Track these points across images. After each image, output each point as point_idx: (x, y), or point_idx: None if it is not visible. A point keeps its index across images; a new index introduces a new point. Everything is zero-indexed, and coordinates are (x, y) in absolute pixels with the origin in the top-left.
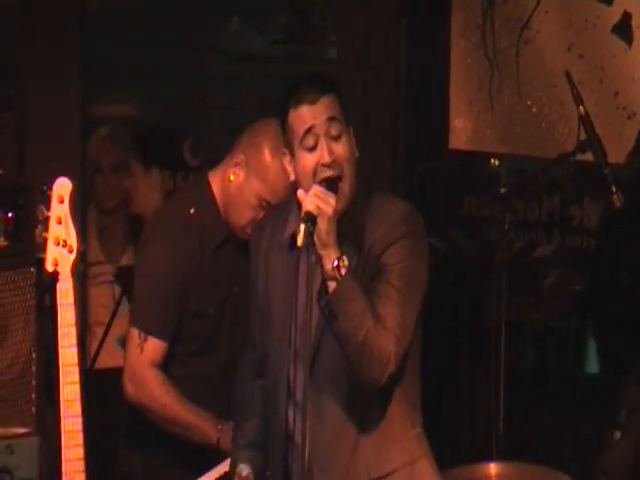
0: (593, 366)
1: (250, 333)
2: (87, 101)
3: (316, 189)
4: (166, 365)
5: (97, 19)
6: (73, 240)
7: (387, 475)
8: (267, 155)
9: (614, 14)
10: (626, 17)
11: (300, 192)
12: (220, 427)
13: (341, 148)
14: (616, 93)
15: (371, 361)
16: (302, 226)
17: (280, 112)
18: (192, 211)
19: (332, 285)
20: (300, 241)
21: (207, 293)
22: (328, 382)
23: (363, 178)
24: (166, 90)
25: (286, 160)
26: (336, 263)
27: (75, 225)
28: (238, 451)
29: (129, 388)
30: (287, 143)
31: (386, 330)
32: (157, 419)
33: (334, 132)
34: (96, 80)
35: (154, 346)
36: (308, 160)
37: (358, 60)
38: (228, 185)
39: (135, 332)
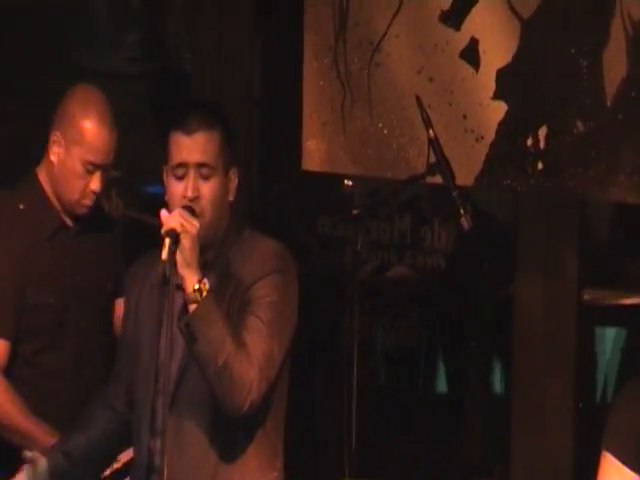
0: (443, 385)
1: (115, 368)
2: None
3: (180, 210)
4: (15, 367)
5: None
6: None
7: None
8: (78, 118)
9: (462, 39)
10: (473, 42)
11: (163, 213)
12: None
13: (208, 190)
14: (464, 116)
15: (232, 387)
16: (167, 240)
17: (167, 129)
18: (21, 207)
19: (193, 307)
20: (164, 255)
21: (46, 284)
22: (190, 412)
23: (237, 216)
24: (21, 106)
25: (164, 176)
26: (197, 286)
27: None
28: (50, 451)
29: None
30: (165, 160)
31: (248, 357)
32: None
33: (205, 173)
34: None
35: None
36: (174, 188)
37: (212, 78)
38: (53, 168)
39: None
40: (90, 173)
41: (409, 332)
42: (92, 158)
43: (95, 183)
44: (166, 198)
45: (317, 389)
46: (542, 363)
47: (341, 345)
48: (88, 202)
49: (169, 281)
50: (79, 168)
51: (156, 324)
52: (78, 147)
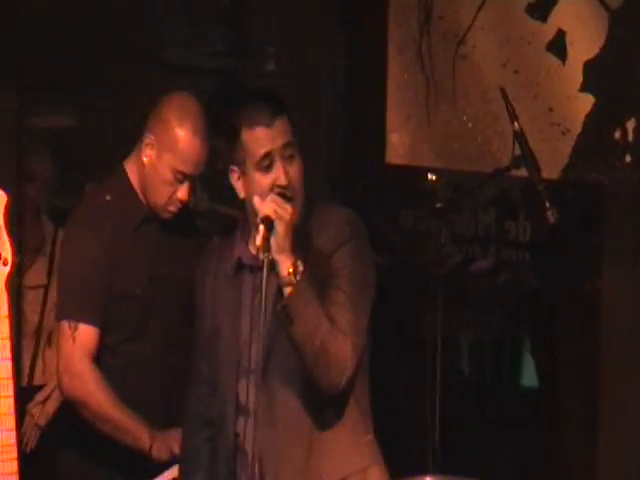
0: (529, 379)
1: (195, 367)
2: (23, 112)
3: (273, 196)
4: (102, 357)
5: (30, 28)
6: (8, 253)
7: None
8: (175, 127)
9: (548, 31)
10: (560, 34)
11: (256, 199)
12: (154, 435)
13: (295, 170)
14: (550, 109)
15: (329, 366)
16: (261, 227)
17: (230, 129)
18: (108, 198)
19: (288, 290)
20: (259, 240)
21: (132, 273)
22: (280, 390)
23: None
24: (103, 101)
25: (234, 176)
26: (292, 269)
27: (10, 237)
28: None
29: (64, 380)
30: (236, 160)
31: (342, 334)
32: (90, 415)
33: (289, 154)
34: (33, 91)
35: (86, 333)
36: (264, 180)
37: (296, 74)
38: (143, 169)
39: (65, 324)
40: (179, 182)
41: (494, 326)
42: (183, 168)
43: (183, 193)
44: (241, 197)
45: (401, 384)
46: (629, 360)
47: (425, 340)
48: (174, 209)
49: (264, 266)
50: (169, 175)
51: (236, 314)
52: (170, 154)
